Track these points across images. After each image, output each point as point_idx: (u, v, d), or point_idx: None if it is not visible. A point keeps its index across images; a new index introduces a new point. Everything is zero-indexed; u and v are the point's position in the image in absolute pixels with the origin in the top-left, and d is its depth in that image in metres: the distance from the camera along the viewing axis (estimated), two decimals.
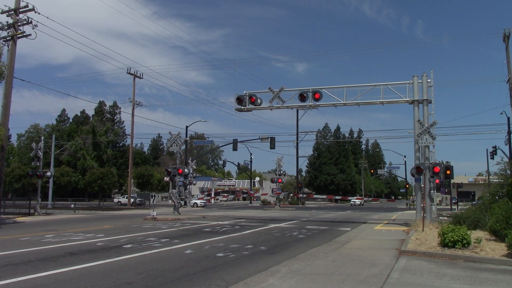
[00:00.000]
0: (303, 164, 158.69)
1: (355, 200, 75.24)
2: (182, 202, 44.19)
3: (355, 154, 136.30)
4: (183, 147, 67.06)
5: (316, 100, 26.94)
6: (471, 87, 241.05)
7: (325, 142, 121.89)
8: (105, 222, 26.86)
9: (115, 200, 61.52)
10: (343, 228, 23.86)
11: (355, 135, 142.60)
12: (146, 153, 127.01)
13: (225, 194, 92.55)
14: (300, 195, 69.95)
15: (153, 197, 31.51)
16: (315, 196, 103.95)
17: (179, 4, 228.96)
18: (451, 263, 12.07)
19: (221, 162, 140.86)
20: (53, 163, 56.46)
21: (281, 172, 55.63)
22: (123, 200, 60.95)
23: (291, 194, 73.33)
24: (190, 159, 58.47)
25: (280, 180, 54.55)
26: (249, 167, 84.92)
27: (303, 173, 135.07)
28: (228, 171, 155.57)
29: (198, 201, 60.89)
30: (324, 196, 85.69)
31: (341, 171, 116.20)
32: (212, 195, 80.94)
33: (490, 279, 10.00)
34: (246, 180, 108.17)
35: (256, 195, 69.33)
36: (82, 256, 12.88)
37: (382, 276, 10.30)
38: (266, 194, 65.42)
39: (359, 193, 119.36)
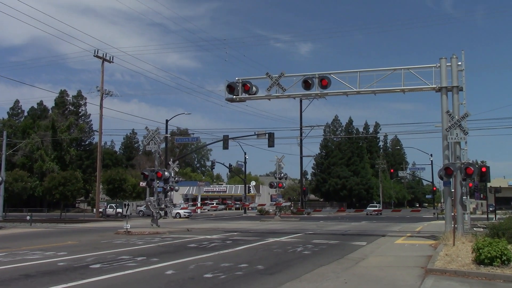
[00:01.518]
0: (309, 166, 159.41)
1: (372, 209, 75.69)
2: (162, 212, 43.93)
3: (371, 153, 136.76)
4: (163, 145, 66.79)
5: (324, 87, 26.96)
6: (510, 72, 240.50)
7: (334, 139, 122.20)
8: (68, 237, 26.81)
9: (107, 211, 61.88)
10: (357, 242, 23.95)
11: (371, 129, 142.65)
12: (118, 153, 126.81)
13: (215, 204, 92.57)
14: (305, 202, 70.45)
15: (127, 207, 31.50)
16: (323, 203, 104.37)
17: None
18: (488, 284, 12.14)
19: (209, 164, 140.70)
20: (4, 166, 56.24)
21: (282, 175, 55.58)
22: (109, 210, 61.68)
23: (294, 202, 73.64)
24: (171, 160, 58.30)
25: (280, 185, 54.65)
26: (243, 169, 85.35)
27: (308, 176, 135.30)
28: (217, 174, 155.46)
29: (182, 211, 61.21)
30: (334, 206, 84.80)
31: (355, 174, 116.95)
32: (199, 204, 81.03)
33: None
34: (240, 185, 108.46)
35: (251, 205, 69.30)
36: (40, 279, 12.87)
37: None
38: (264, 204, 65.26)
39: (376, 199, 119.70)
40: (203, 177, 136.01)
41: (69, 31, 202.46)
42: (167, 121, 61.93)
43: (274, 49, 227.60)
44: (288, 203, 65.74)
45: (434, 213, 68.05)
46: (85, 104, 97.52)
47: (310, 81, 26.92)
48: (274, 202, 57.44)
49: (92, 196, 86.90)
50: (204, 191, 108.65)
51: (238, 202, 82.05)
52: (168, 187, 42.42)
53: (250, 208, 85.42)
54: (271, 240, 25.16)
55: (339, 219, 57.97)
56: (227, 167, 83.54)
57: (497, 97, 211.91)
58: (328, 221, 50.44)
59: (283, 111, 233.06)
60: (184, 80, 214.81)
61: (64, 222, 46.67)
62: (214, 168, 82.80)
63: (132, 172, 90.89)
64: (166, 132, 60.75)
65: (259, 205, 64.57)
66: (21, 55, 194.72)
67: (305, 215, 68.30)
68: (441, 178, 23.69)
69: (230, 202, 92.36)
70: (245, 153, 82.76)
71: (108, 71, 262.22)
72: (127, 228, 29.70)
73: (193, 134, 67.61)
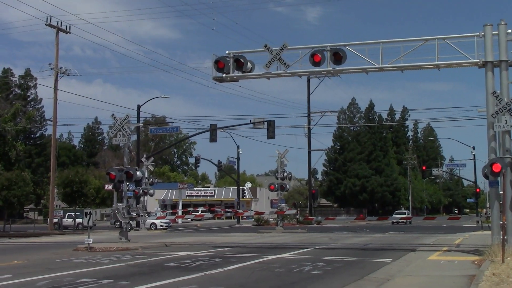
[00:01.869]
0: (319, 163, 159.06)
1: (399, 216, 75.41)
2: (133, 223, 43.63)
3: (398, 146, 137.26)
4: (134, 137, 66.49)
5: (337, 63, 26.90)
6: None
7: (351, 128, 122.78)
8: (14, 256, 26.72)
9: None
10: (381, 259, 24.02)
11: (398, 116, 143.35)
12: (77, 148, 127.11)
13: (200, 212, 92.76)
14: (314, 209, 70.39)
15: (89, 216, 31.45)
16: (337, 210, 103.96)
17: None
18: None
19: (192, 161, 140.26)
20: None
21: (285, 174, 55.62)
22: (67, 221, 61.84)
23: (301, 209, 73.45)
24: (144, 156, 58.29)
25: (283, 187, 54.78)
26: (236, 167, 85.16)
27: (319, 176, 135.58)
28: (203, 174, 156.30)
29: (158, 221, 61.48)
30: (351, 213, 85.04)
31: (377, 172, 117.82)
32: (179, 212, 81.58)
33: None
34: (232, 188, 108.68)
35: (246, 213, 69.06)
36: None
37: None
38: (263, 213, 65.12)
39: (405, 205, 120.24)
40: (185, 178, 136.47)
41: None
42: (139, 106, 61.84)
43: (275, 14, 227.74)
44: (293, 211, 65.71)
45: (477, 221, 67.95)
46: (35, 86, 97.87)
47: (320, 55, 26.83)
48: (275, 209, 57.41)
49: (44, 202, 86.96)
50: (187, 196, 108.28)
51: (230, 210, 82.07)
52: (141, 191, 42.44)
53: (244, 217, 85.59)
54: (272, 257, 25.23)
55: (358, 229, 58.29)
56: (215, 164, 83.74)
57: None
58: (344, 233, 50.53)
59: (286, 94, 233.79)
60: (161, 55, 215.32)
61: (8, 236, 46.60)
62: (199, 167, 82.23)
63: (95, 172, 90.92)
64: (138, 121, 60.35)
65: (256, 213, 64.60)
66: None
67: (315, 225, 68.53)
68: (486, 177, 23.56)
69: (219, 209, 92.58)
70: (238, 147, 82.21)
71: (64, 44, 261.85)
72: (89, 243, 29.61)
73: (172, 123, 67.43)
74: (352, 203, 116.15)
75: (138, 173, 35.23)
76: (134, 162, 59.75)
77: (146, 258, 25.03)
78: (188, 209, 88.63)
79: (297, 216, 71.72)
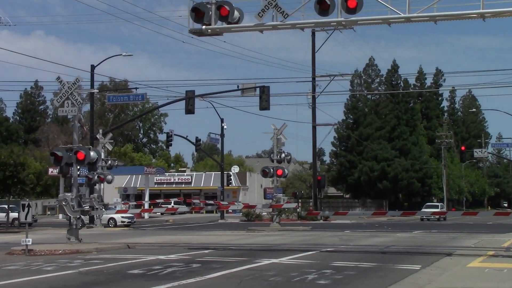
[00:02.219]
0: (326, 141, 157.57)
1: (430, 210, 75.88)
2: (86, 219, 43.33)
3: (429, 120, 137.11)
4: (87, 107, 66.01)
5: (351, 11, 26.77)
6: None
7: (368, 96, 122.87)
8: None
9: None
10: (406, 265, 24.12)
11: (429, 81, 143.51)
12: (12, 121, 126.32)
13: (172, 205, 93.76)
14: (320, 200, 71.77)
15: (27, 209, 31.32)
16: (349, 202, 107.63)
17: None
18: None
19: (163, 138, 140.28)
20: None
21: (283, 156, 56.30)
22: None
23: (303, 201, 73.47)
24: (100, 131, 58.07)
25: (280, 172, 55.18)
26: (219, 146, 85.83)
27: (326, 158, 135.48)
28: (177, 156, 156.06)
29: (118, 216, 61.37)
30: (368, 206, 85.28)
31: (402, 153, 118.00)
32: (146, 204, 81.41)
33: None
34: (214, 173, 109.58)
35: (232, 206, 67.37)
36: None
37: None
38: (254, 206, 64.31)
39: (438, 195, 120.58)
40: (154, 160, 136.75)
41: None
42: (93, 67, 61.86)
43: None
44: (293, 204, 65.94)
45: None
46: None
47: (328, 1, 26.72)
48: (270, 201, 57.87)
49: None
50: (156, 183, 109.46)
51: (211, 202, 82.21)
52: (96, 177, 42.63)
53: (230, 211, 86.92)
54: (266, 262, 25.40)
55: (377, 227, 58.76)
56: (192, 143, 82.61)
57: None
58: (359, 231, 50.94)
59: (285, 52, 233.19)
60: (122, 0, 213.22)
61: None
62: (171, 145, 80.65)
63: (35, 152, 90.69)
64: (92, 86, 60.38)
65: (246, 205, 64.29)
66: None
67: (321, 221, 69.33)
68: None
69: (197, 201, 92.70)
70: (222, 121, 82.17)
71: None
72: (27, 245, 29.41)
73: (136, 89, 65.88)
74: (369, 193, 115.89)
75: (92, 153, 35.24)
76: (87, 140, 59.95)
77: (103, 263, 25.07)
78: (158, 200, 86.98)
79: (298, 210, 72.10)
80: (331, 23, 27.94)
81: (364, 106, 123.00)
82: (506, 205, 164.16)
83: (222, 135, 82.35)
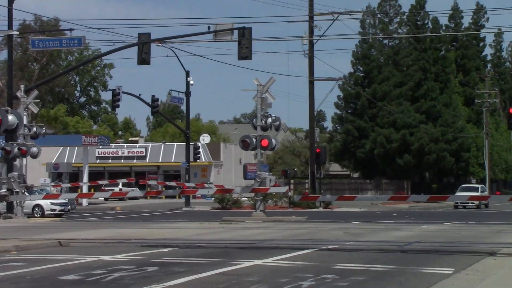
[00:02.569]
0: (328, 102, 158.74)
1: (467, 194, 75.69)
2: (3, 206, 42.55)
3: (467, 73, 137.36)
4: (3, 55, 65.09)
5: None
6: None
7: (384, 41, 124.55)
8: None
9: None
10: (434, 268, 23.88)
11: (466, 21, 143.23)
12: None
13: (120, 187, 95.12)
14: (320, 181, 73.86)
15: None
16: (358, 183, 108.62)
17: None
18: None
19: (107, 97, 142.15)
20: None
21: (270, 121, 56.14)
22: None
23: (297, 182, 73.63)
24: (22, 88, 57.66)
25: (265, 143, 54.93)
26: (184, 108, 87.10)
27: (327, 125, 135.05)
28: (126, 121, 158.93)
29: (47, 202, 61.56)
30: (383, 188, 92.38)
31: (429, 117, 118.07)
32: (84, 187, 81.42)
33: None
34: (176, 144, 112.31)
35: (200, 191, 65.28)
36: None
37: None
38: (231, 190, 62.54)
39: (478, 175, 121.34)
40: (95, 127, 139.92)
41: None
42: (11, 0, 60.73)
43: None
44: (284, 188, 64.03)
45: None
46: None
47: None
48: (253, 182, 57.06)
49: None
50: (98, 158, 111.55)
51: (173, 183, 77.66)
52: (16, 149, 41.98)
53: (199, 196, 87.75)
54: (245, 264, 25.18)
55: (395, 216, 59.53)
56: (148, 104, 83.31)
57: None
58: (371, 222, 51.74)
59: None
60: None
61: None
62: (118, 107, 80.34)
63: None
64: (11, 27, 60.64)
65: (220, 189, 61.07)
66: None
67: (320, 209, 70.89)
68: None
69: (154, 182, 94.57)
70: (187, 74, 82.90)
71: None
72: None
73: (71, 31, 66.02)
74: (385, 172, 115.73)
75: (10, 117, 34.99)
76: (3, 99, 59.27)
77: (26, 267, 24.42)
78: (101, 182, 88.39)
79: (289, 194, 72.21)
80: None
81: (379, 54, 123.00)
82: None
83: (187, 93, 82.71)
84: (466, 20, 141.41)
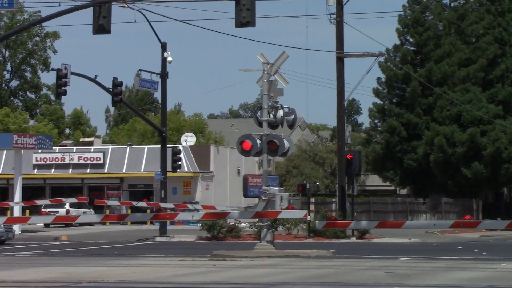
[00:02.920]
0: (364, 88, 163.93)
1: None
2: None
3: None
4: None
5: None
6: None
7: (443, 0, 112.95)
8: None
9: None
10: None
11: None
12: None
13: (69, 210, 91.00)
14: (351, 199, 72.33)
15: None
16: (407, 202, 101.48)
17: None
18: None
19: (49, 80, 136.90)
20: None
21: (280, 114, 50.74)
22: None
23: (318, 201, 66.86)
24: None
25: (275, 145, 49.12)
26: (158, 95, 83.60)
27: (363, 119, 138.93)
28: (77, 113, 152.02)
29: None
30: (441, 208, 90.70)
31: (507, 108, 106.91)
32: (16, 208, 76.49)
33: None
34: (147, 147, 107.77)
35: (180, 216, 60.27)
36: None
37: None
38: (226, 214, 56.78)
39: None
40: (32, 122, 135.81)
41: None
42: None
43: None
44: (301, 212, 54.96)
45: None
46: None
47: None
48: (258, 201, 56.38)
49: None
50: (36, 166, 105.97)
51: (143, 203, 73.40)
52: None
53: (179, 221, 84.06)
54: None
55: (460, 250, 55.76)
56: (107, 89, 72.77)
57: None
58: (425, 257, 47.36)
59: None
60: None
61: None
62: (65, 94, 69.81)
63: None
64: None
65: (209, 213, 57.75)
66: None
67: (353, 239, 67.08)
68: None
69: (115, 202, 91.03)
70: (163, 48, 73.52)
71: None
72: None
73: None
74: (446, 187, 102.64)
75: None
76: None
77: None
78: (39, 202, 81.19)
79: (309, 219, 65.42)
80: None
81: (436, 19, 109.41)
82: None
83: (164, 74, 72.94)
84: None
